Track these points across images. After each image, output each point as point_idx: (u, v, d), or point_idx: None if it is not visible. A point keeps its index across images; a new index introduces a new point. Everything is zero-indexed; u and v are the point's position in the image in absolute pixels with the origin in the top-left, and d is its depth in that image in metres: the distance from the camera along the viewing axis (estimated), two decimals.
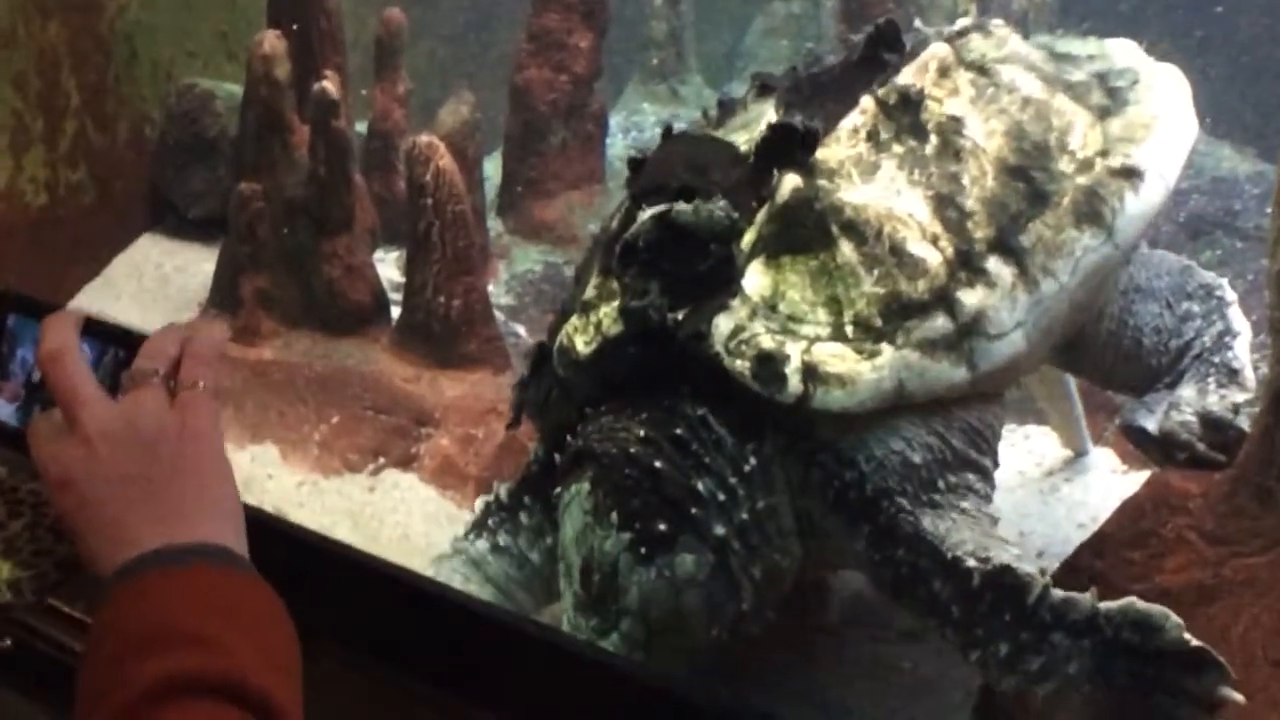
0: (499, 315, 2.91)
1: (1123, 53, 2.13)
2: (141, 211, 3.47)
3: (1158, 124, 1.96)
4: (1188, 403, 1.96)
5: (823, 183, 1.86)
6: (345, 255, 2.94)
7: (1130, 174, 1.90)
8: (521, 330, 2.91)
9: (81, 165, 3.33)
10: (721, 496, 1.79)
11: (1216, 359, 2.02)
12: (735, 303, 1.80)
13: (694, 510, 1.78)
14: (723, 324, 1.79)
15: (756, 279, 1.83)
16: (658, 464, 1.78)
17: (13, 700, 1.39)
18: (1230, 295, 2.10)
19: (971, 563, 1.69)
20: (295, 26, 3.21)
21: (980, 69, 2.03)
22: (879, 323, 1.79)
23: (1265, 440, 1.76)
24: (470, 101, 3.23)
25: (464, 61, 3.69)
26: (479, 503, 2.20)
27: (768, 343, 1.76)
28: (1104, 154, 1.94)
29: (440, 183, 2.71)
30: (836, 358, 1.76)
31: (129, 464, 1.39)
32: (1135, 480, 2.12)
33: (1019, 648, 1.66)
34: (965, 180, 1.88)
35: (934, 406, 1.81)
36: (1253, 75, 2.98)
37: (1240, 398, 1.95)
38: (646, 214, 1.86)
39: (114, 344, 1.51)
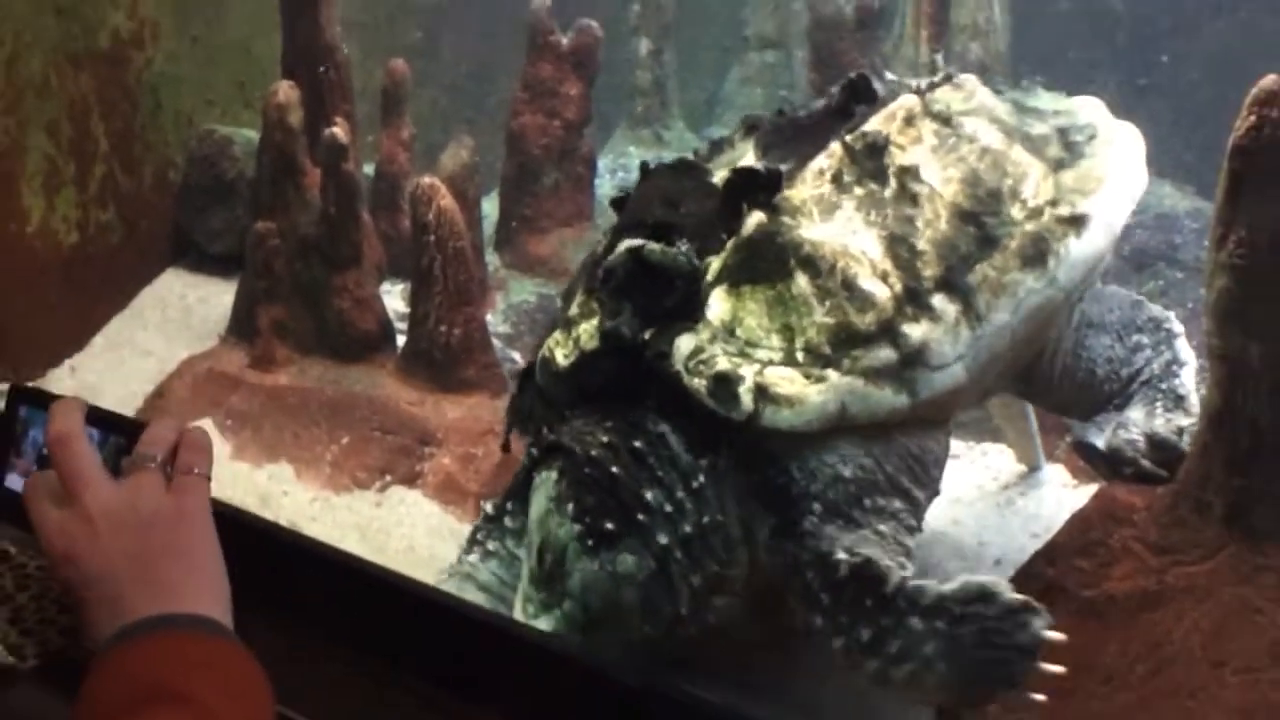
0: (496, 343, 2.91)
1: (1086, 109, 2.13)
2: (166, 248, 3.47)
3: (1109, 177, 1.96)
4: (1135, 423, 1.97)
5: (786, 219, 1.88)
6: (354, 288, 2.94)
7: (1076, 222, 1.91)
8: (518, 356, 2.90)
9: (110, 206, 3.33)
10: (669, 509, 1.81)
11: (1164, 385, 2.03)
12: (698, 326, 1.82)
13: (640, 517, 1.80)
14: (684, 344, 1.82)
15: (718, 305, 1.84)
16: (614, 469, 1.81)
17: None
18: (1178, 328, 2.11)
19: (841, 555, 1.72)
20: (322, 69, 3.22)
21: (944, 120, 2.03)
22: (828, 350, 1.80)
23: (1204, 458, 1.76)
24: (469, 146, 3.23)
25: (464, 109, 3.68)
26: (470, 527, 2.21)
27: (724, 364, 1.79)
28: (1054, 203, 1.94)
29: (442, 221, 2.71)
30: (786, 380, 1.77)
31: (128, 542, 1.43)
32: (1085, 494, 2.11)
33: (880, 632, 1.69)
34: (919, 223, 1.89)
35: (875, 431, 1.82)
36: (1193, 120, 2.98)
37: (1184, 422, 1.95)
38: (623, 245, 1.88)
39: (115, 430, 1.55)
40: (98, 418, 1.55)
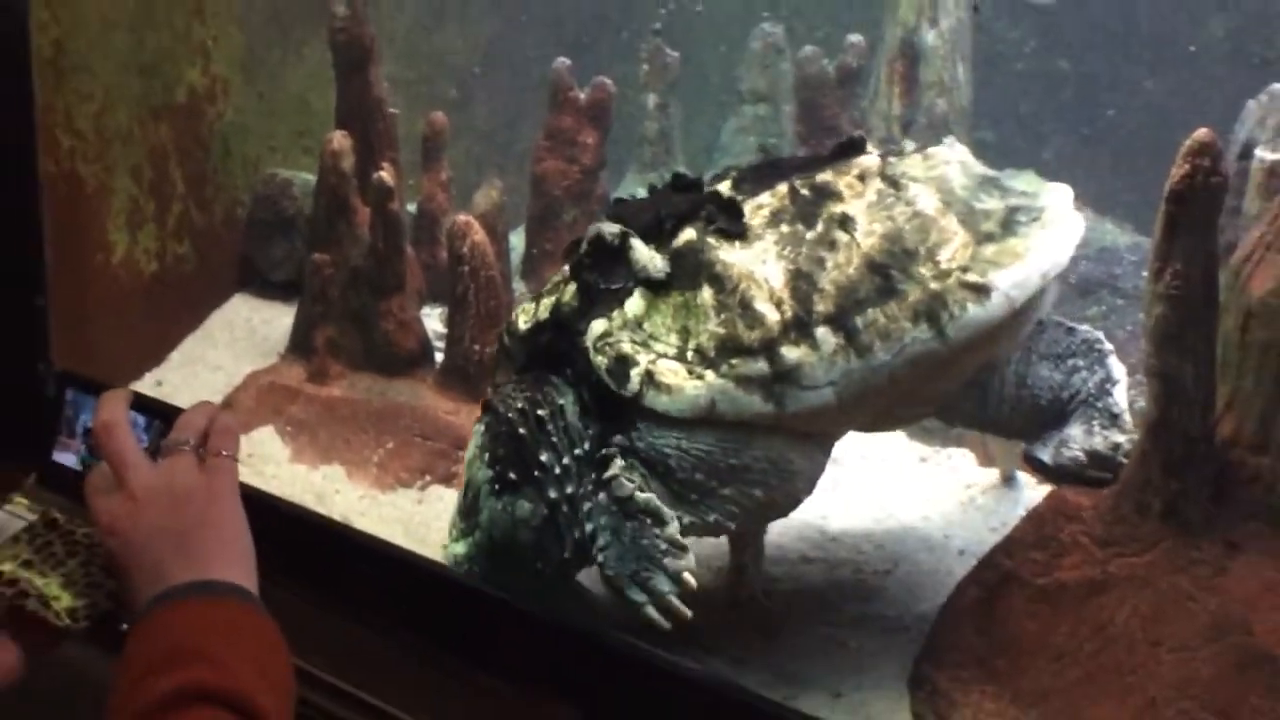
0: None
1: (1051, 195, 2.09)
2: (233, 276, 3.47)
3: (1028, 256, 1.95)
4: (1076, 440, 1.97)
5: (710, 240, 1.94)
6: (398, 312, 2.94)
7: (978, 290, 1.89)
8: None
9: (185, 239, 3.33)
10: (558, 471, 1.94)
11: (1099, 404, 2.02)
12: (615, 315, 1.92)
13: (537, 474, 1.94)
14: (597, 327, 1.92)
15: (635, 301, 1.93)
16: (521, 431, 1.94)
17: None
18: (1108, 347, 2.09)
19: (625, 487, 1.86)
20: (389, 120, 3.22)
21: (893, 182, 2.03)
22: (712, 355, 1.87)
23: (1143, 463, 1.77)
24: (499, 187, 3.22)
25: (494, 155, 3.68)
26: None
27: (626, 349, 1.89)
28: (964, 269, 1.92)
29: (475, 253, 2.71)
30: (671, 372, 1.86)
31: (165, 517, 1.45)
32: (1039, 494, 2.10)
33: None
34: (828, 265, 1.92)
35: (738, 431, 1.87)
36: (1130, 166, 2.98)
37: (1120, 438, 1.95)
38: (592, 227, 2.00)
39: (155, 415, 1.57)
40: (141, 404, 1.57)
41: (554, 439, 1.95)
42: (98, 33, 3.07)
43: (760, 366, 1.86)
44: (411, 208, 3.30)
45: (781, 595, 2.23)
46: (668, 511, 1.86)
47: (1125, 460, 1.87)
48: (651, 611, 1.84)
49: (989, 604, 1.86)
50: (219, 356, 3.23)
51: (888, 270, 1.91)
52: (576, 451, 1.95)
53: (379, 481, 2.62)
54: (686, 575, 1.84)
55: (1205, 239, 1.67)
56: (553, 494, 1.94)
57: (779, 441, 1.91)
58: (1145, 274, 2.14)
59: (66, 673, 1.60)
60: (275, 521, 2.41)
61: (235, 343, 3.30)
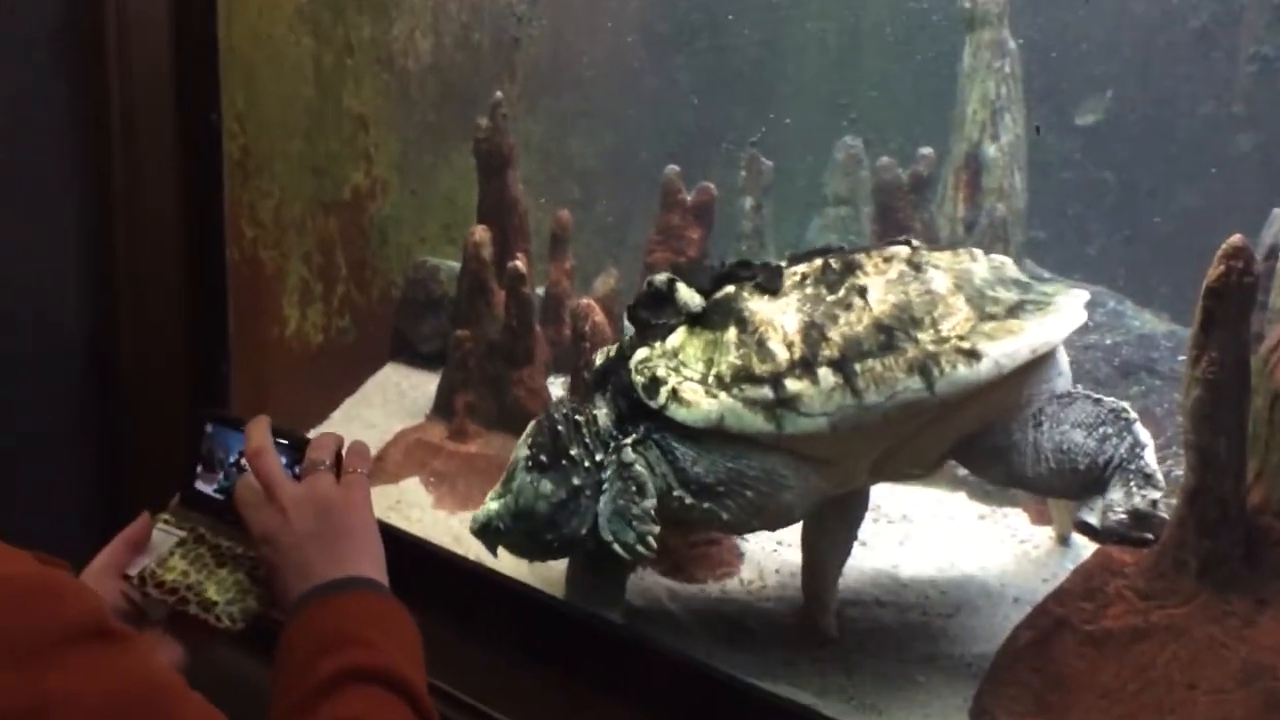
0: None
1: (1065, 295, 2.10)
2: (387, 347, 3.51)
3: (1022, 334, 1.98)
4: (1119, 504, 1.93)
5: (745, 293, 2.03)
6: (528, 380, 2.97)
7: (970, 354, 1.93)
8: None
9: (347, 315, 3.37)
10: (586, 465, 2.07)
11: (1133, 467, 1.98)
12: (657, 345, 2.01)
13: (564, 462, 2.07)
14: (641, 353, 2.02)
15: (676, 336, 2.03)
16: (560, 428, 2.09)
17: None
18: (1133, 414, 2.06)
19: (630, 456, 2.01)
20: (523, 216, 3.25)
21: (915, 266, 2.06)
22: (728, 380, 1.95)
23: (1180, 526, 1.74)
24: (615, 275, 3.25)
25: (611, 247, 3.70)
26: None
27: (660, 372, 1.98)
28: (961, 338, 1.96)
29: (594, 331, 2.71)
30: (693, 392, 1.95)
31: (310, 525, 1.48)
32: (1087, 551, 2.08)
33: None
34: (840, 321, 1.97)
35: (740, 444, 1.96)
36: (1166, 263, 2.95)
37: (1156, 495, 1.92)
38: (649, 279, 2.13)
39: (289, 440, 1.60)
40: (275, 431, 1.59)
41: (585, 440, 2.08)
42: (277, 140, 3.12)
43: (765, 392, 1.94)
44: (540, 291, 3.32)
45: (857, 635, 2.21)
46: (650, 488, 1.99)
47: (1164, 515, 1.85)
48: (617, 548, 2.00)
49: (1042, 646, 1.83)
50: (373, 416, 3.26)
51: (892, 331, 1.96)
52: (599, 457, 2.07)
53: None
54: (650, 539, 1.99)
55: (1238, 331, 1.65)
56: (575, 481, 2.06)
57: (775, 457, 1.98)
58: (1180, 358, 2.12)
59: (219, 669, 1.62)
60: (419, 559, 2.43)
61: (387, 404, 3.33)
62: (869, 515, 2.32)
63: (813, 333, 1.96)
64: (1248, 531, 1.71)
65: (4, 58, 2.71)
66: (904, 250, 2.08)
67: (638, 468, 1.99)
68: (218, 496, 1.66)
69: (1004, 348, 1.95)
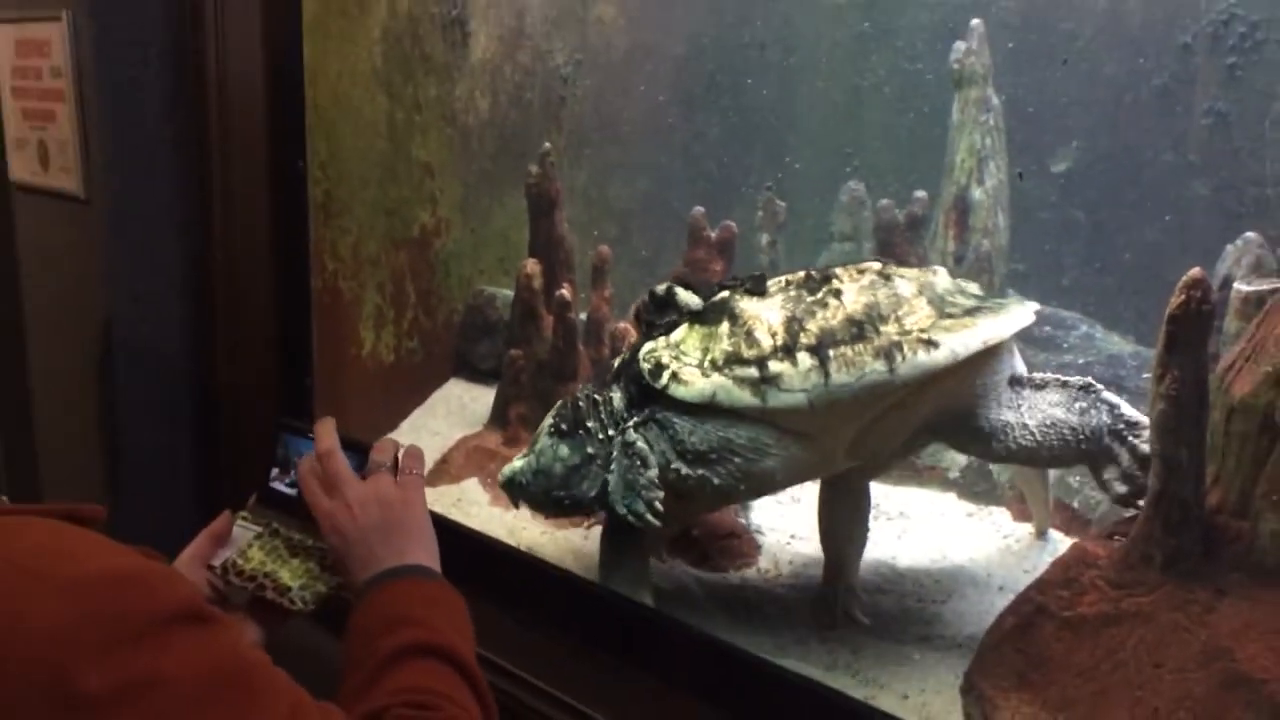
0: None
1: (1016, 304, 2.11)
2: (450, 366, 3.52)
3: (975, 328, 2.00)
4: (1127, 463, 2.00)
5: (737, 296, 2.05)
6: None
7: (929, 344, 1.94)
8: None
9: (415, 337, 3.38)
10: (600, 436, 2.09)
11: (1120, 426, 2.02)
12: (661, 339, 2.04)
13: (581, 432, 2.11)
14: (647, 346, 2.05)
15: (677, 332, 2.05)
16: (580, 404, 2.14)
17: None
18: (1099, 386, 2.09)
19: (633, 436, 2.04)
20: (569, 251, 3.25)
21: (885, 276, 2.08)
22: (720, 364, 1.97)
23: (1148, 524, 1.73)
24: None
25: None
26: None
27: (664, 359, 2.01)
28: (922, 331, 1.97)
29: None
30: (690, 374, 1.98)
31: (374, 519, 1.48)
32: (1064, 544, 2.07)
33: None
34: (817, 316, 1.98)
35: (730, 416, 1.99)
36: (1131, 291, 2.93)
37: (1144, 447, 1.96)
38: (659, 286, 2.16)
39: (355, 446, 1.60)
40: (342, 439, 1.60)
41: (600, 416, 2.10)
42: (355, 185, 3.13)
43: (752, 372, 1.96)
44: (583, 316, 3.32)
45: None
46: (652, 459, 2.01)
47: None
48: (629, 517, 2.00)
49: (1025, 630, 1.81)
50: (438, 425, 3.26)
51: (862, 324, 1.98)
52: (610, 433, 2.09)
53: (556, 522, 2.61)
54: (657, 504, 1.99)
55: (1197, 352, 1.64)
56: (589, 450, 2.09)
57: (760, 429, 1.99)
58: (1145, 375, 2.10)
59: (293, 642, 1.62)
60: (476, 550, 2.43)
61: (450, 415, 3.33)
62: (870, 513, 2.30)
63: (793, 325, 1.98)
64: (1207, 530, 1.69)
65: (126, 115, 2.74)
66: (876, 265, 2.11)
67: (640, 445, 2.01)
68: (290, 493, 1.67)
69: (959, 339, 1.97)
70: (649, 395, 2.05)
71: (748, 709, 1.95)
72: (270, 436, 1.74)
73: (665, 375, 2.02)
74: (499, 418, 3.06)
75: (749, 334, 2.00)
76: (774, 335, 1.99)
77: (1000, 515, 2.63)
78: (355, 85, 3.08)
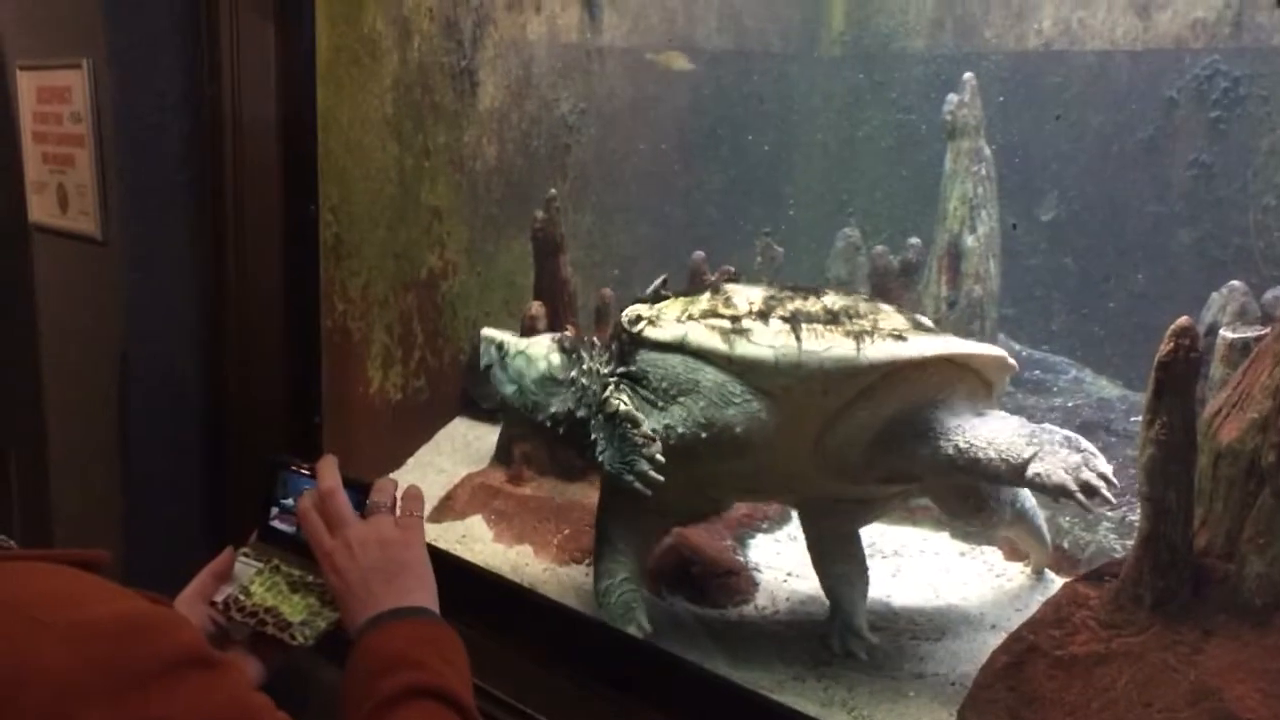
0: None
1: (991, 347, 2.15)
2: (455, 404, 3.51)
3: (943, 339, 2.05)
4: (1064, 462, 1.85)
5: (729, 285, 2.12)
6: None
7: (898, 337, 1.98)
8: None
9: (422, 376, 3.38)
10: (585, 366, 2.15)
11: (1060, 437, 1.91)
12: (645, 305, 2.12)
13: (573, 357, 2.18)
14: (632, 310, 2.12)
15: (664, 302, 2.11)
16: (584, 339, 2.24)
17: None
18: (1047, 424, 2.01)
19: (614, 404, 2.04)
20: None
21: (866, 298, 2.14)
22: (696, 316, 2.02)
23: (1137, 565, 1.73)
24: None
25: None
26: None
27: (644, 314, 2.07)
28: (894, 329, 2.01)
29: None
30: (665, 322, 2.03)
31: (374, 560, 1.46)
32: (1056, 585, 2.06)
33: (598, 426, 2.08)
34: (797, 304, 2.03)
35: (699, 360, 2.00)
36: (1119, 338, 2.93)
37: (1081, 457, 1.86)
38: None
39: (355, 484, 1.58)
40: (343, 478, 1.58)
41: (592, 355, 2.17)
42: (365, 229, 3.14)
43: (724, 324, 1.99)
44: None
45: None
46: (641, 416, 2.01)
47: (1102, 470, 1.81)
48: (638, 485, 1.97)
49: (1017, 668, 1.81)
50: (443, 462, 3.25)
51: (837, 314, 2.01)
52: (592, 375, 2.13)
53: (557, 558, 2.61)
54: (657, 456, 1.97)
55: (1185, 398, 1.64)
56: (571, 373, 2.15)
57: (727, 379, 1.98)
58: (1133, 419, 2.10)
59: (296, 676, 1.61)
60: (480, 584, 2.42)
61: (455, 452, 3.32)
62: (865, 552, 2.30)
63: (773, 301, 2.03)
64: (1195, 571, 1.69)
65: (143, 159, 2.75)
66: (861, 293, 2.17)
67: (622, 408, 2.02)
68: (288, 531, 1.66)
69: (926, 341, 1.99)
70: (626, 353, 2.09)
71: None
72: (267, 473, 1.73)
73: (642, 323, 2.07)
74: (503, 456, 3.06)
75: (728, 301, 2.05)
76: (751, 305, 2.03)
77: (993, 554, 2.63)
78: (367, 132, 3.09)
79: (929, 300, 3.08)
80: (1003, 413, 2.06)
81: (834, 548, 2.28)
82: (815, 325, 1.98)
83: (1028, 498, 2.31)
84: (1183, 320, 1.63)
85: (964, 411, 2.01)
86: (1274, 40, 2.75)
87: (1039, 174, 3.17)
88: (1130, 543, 1.79)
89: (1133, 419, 2.45)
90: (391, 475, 3.12)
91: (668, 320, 2.05)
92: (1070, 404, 2.87)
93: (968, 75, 3.02)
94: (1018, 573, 2.51)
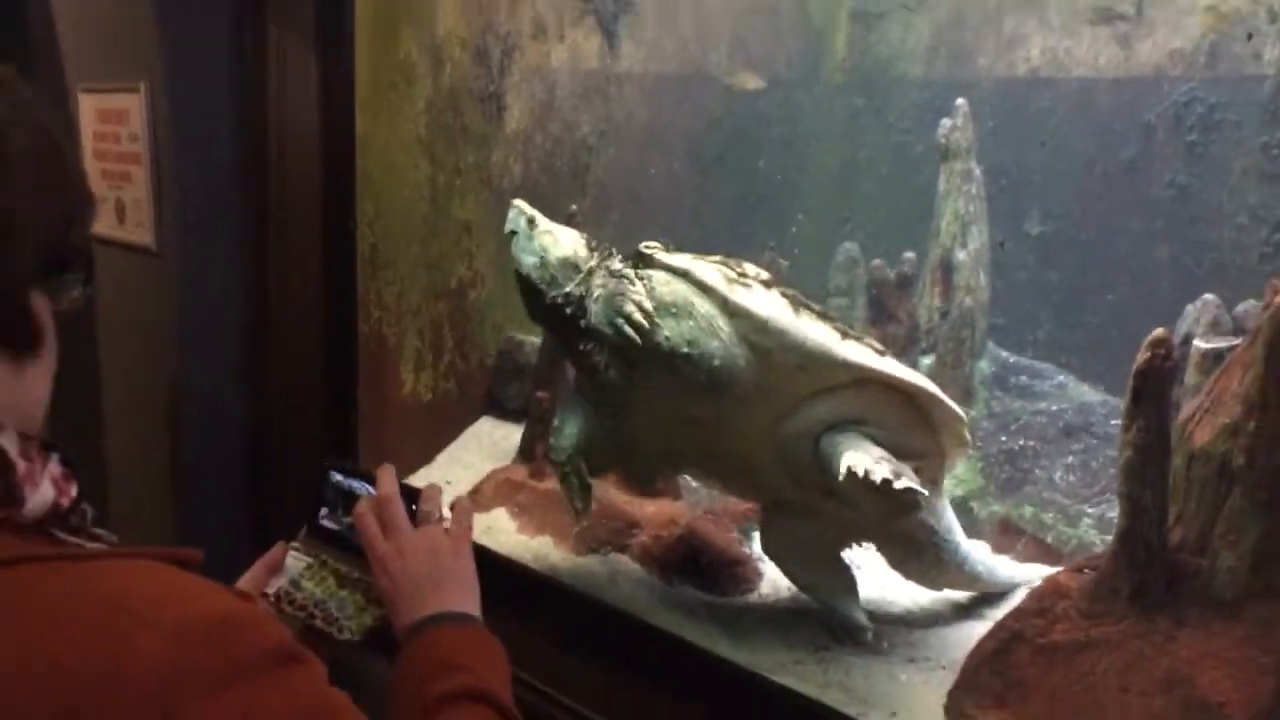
0: None
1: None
2: (482, 405, 3.51)
3: (915, 375, 2.04)
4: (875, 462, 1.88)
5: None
6: None
7: (880, 353, 2.01)
8: (688, 478, 2.85)
9: (451, 379, 3.38)
10: (594, 264, 2.09)
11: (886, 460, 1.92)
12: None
13: (596, 253, 2.11)
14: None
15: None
16: (605, 247, 2.13)
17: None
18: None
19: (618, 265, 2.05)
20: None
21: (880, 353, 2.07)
22: (704, 262, 2.01)
23: (1115, 559, 1.72)
24: None
25: None
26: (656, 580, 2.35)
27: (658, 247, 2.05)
28: (877, 348, 2.00)
29: None
30: (673, 257, 2.04)
31: (423, 566, 1.45)
32: (1038, 578, 2.05)
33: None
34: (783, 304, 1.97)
35: (699, 293, 1.98)
36: (1102, 347, 2.93)
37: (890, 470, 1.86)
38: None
39: (402, 489, 1.56)
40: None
41: (611, 254, 2.10)
42: (400, 242, 3.15)
43: (730, 273, 1.97)
44: None
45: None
46: (638, 285, 1.99)
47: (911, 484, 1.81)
48: (627, 330, 1.96)
49: (1002, 654, 1.81)
50: (470, 459, 3.26)
51: (830, 318, 2.00)
52: (609, 281, 2.04)
53: (575, 548, 2.61)
54: (636, 315, 1.95)
55: (1161, 404, 1.64)
56: (591, 265, 2.08)
57: (719, 315, 1.95)
58: (1113, 422, 2.10)
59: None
60: (504, 573, 2.43)
61: (481, 450, 3.33)
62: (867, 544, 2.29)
63: (779, 284, 2.01)
64: (1169, 565, 1.69)
65: (195, 176, 2.77)
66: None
67: (626, 270, 2.02)
68: (336, 529, 1.66)
69: (901, 368, 2.01)
70: (639, 266, 2.05)
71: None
72: (317, 473, 1.73)
73: (656, 247, 2.05)
74: (526, 452, 3.06)
75: (739, 263, 2.04)
76: (759, 275, 2.02)
77: (982, 547, 2.62)
78: (402, 152, 3.10)
79: (923, 310, 3.07)
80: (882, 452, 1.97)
81: (804, 560, 2.25)
82: (813, 314, 1.97)
83: (964, 545, 2.27)
84: (1159, 331, 1.63)
85: (891, 425, 2.01)
86: (1246, 69, 2.75)
87: (1026, 193, 3.17)
88: (1109, 538, 1.78)
89: (1113, 423, 2.45)
90: (423, 470, 3.15)
91: (681, 256, 2.03)
92: (1054, 408, 2.86)
93: (960, 101, 3.02)
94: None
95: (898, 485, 1.79)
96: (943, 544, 2.20)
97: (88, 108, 2.97)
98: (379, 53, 2.97)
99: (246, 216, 2.84)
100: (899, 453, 1.96)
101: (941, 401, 2.02)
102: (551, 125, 3.57)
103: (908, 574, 2.27)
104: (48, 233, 1.05)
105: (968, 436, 2.10)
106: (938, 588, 2.31)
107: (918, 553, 2.21)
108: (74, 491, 1.02)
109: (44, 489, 0.99)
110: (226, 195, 2.82)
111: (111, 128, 2.88)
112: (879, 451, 1.92)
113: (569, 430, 2.21)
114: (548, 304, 2.09)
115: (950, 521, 2.23)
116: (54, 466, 1.02)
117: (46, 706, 0.84)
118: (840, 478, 1.87)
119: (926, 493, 1.84)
